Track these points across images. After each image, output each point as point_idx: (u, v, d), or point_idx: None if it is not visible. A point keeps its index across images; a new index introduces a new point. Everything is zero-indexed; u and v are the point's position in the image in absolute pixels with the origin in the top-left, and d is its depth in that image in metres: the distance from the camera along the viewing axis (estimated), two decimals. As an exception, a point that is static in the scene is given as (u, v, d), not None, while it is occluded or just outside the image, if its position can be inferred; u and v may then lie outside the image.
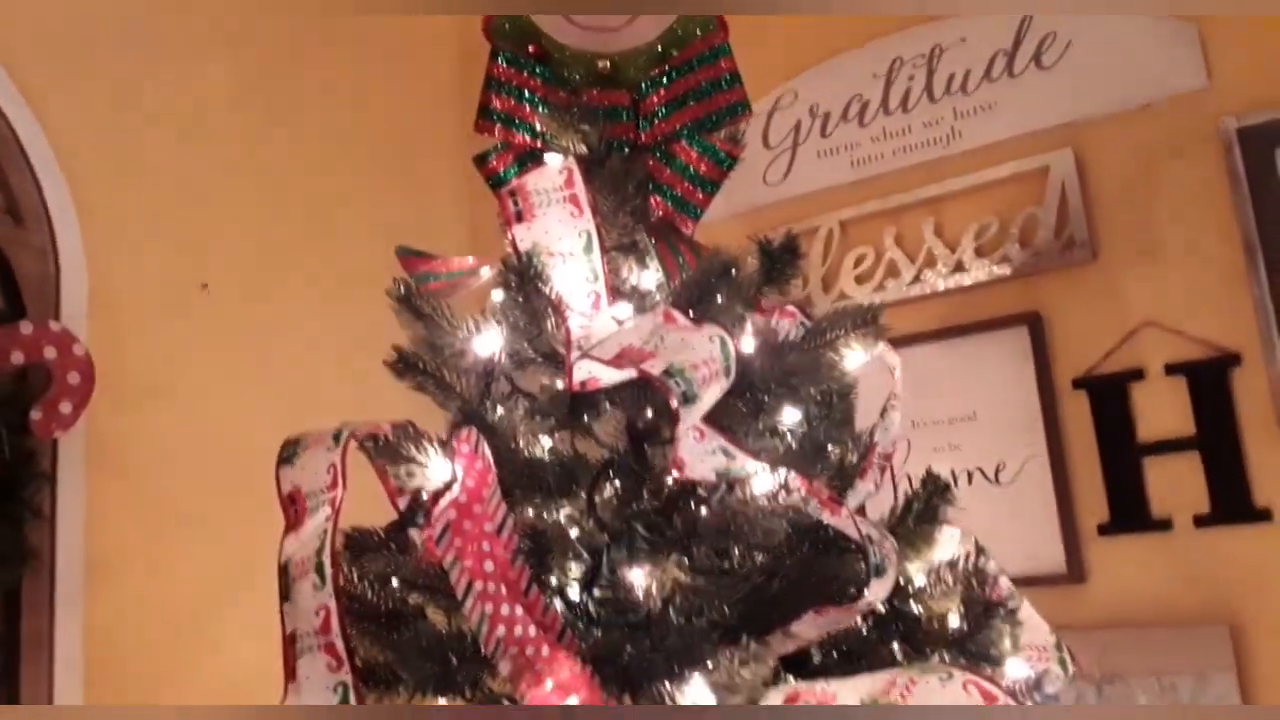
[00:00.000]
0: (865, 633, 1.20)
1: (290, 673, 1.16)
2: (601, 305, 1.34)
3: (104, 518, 2.06)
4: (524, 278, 1.33)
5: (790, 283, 1.44)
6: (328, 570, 1.15)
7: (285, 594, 1.19)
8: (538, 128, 1.48)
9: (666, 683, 1.04)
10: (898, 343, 2.54)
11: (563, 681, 1.16)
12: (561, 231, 1.34)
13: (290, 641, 1.17)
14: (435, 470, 1.25)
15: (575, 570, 1.22)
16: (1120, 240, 2.35)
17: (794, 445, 1.31)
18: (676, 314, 1.20)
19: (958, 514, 1.41)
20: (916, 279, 2.58)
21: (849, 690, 1.00)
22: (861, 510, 1.38)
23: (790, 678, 1.14)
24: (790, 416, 1.28)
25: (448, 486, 1.22)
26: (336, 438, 1.25)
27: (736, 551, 1.16)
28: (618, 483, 1.21)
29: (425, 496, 1.27)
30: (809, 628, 1.07)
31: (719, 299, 1.30)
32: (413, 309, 1.41)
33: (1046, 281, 2.43)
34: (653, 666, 1.07)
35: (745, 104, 1.54)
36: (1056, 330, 2.41)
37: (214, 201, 2.40)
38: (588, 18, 1.50)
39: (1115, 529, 2.28)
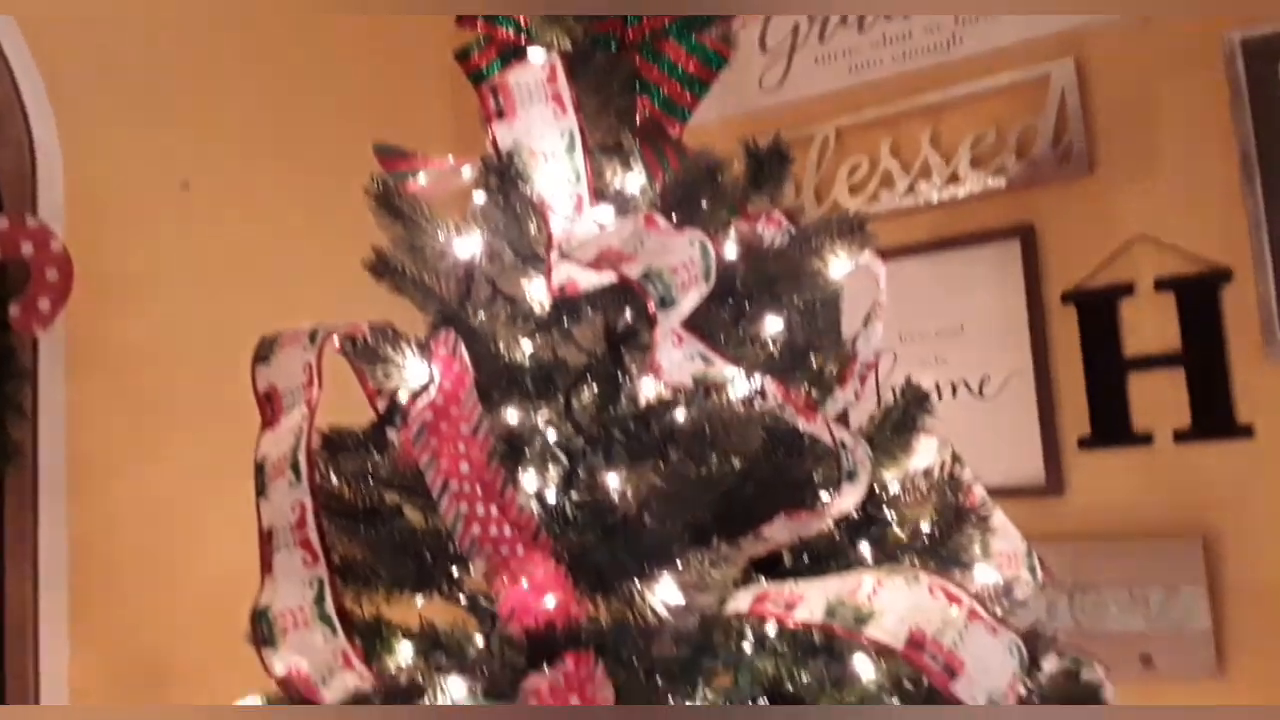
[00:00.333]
0: (838, 537, 1.21)
1: (266, 568, 1.17)
2: (584, 208, 1.32)
3: (86, 415, 2.07)
4: (504, 178, 1.30)
5: (778, 188, 1.41)
6: (303, 468, 1.15)
7: (261, 491, 1.19)
8: (521, 22, 1.43)
9: (636, 581, 1.05)
10: (888, 255, 2.51)
11: (538, 581, 1.17)
12: (544, 130, 1.31)
13: (266, 538, 1.18)
14: (412, 372, 1.25)
15: (552, 473, 1.23)
16: (1117, 153, 2.31)
17: (775, 353, 1.30)
18: (658, 217, 1.18)
19: (937, 424, 1.42)
20: (910, 190, 2.55)
21: (817, 591, 1.01)
22: (843, 418, 1.38)
23: (762, 579, 1.15)
24: (771, 324, 1.27)
25: (425, 388, 1.21)
26: (313, 337, 1.24)
27: (712, 457, 1.16)
28: (596, 388, 1.21)
29: (403, 398, 1.27)
30: (780, 531, 1.08)
31: (703, 203, 1.27)
32: (391, 209, 1.38)
33: (1041, 194, 2.39)
34: (623, 567, 1.08)
35: (737, 0, 1.49)
36: (1048, 244, 2.39)
37: (194, 99, 2.35)
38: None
39: (1095, 443, 2.30)
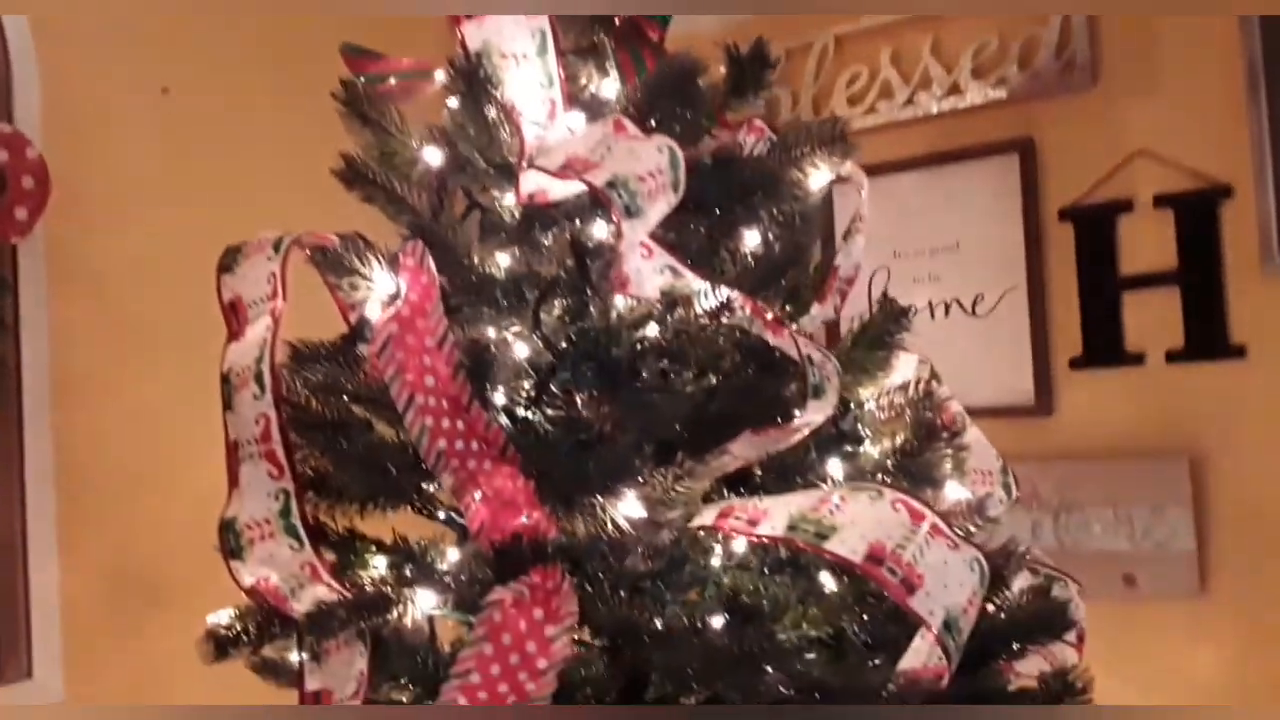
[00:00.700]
0: (809, 454, 1.20)
1: (233, 480, 1.17)
2: (557, 114, 1.28)
3: (69, 328, 2.05)
4: (473, 81, 1.26)
5: (759, 94, 1.36)
6: (267, 380, 1.14)
7: (228, 403, 1.18)
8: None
9: (599, 496, 1.04)
10: (884, 169, 2.49)
11: (506, 496, 1.17)
12: (514, 31, 1.26)
13: (233, 450, 1.17)
14: (380, 284, 1.22)
15: (520, 388, 1.21)
16: (1121, 65, 2.24)
17: (751, 266, 1.27)
18: (627, 123, 1.14)
19: (923, 342, 1.39)
20: (910, 101, 2.48)
21: (781, 506, 1.01)
22: (834, 332, 1.36)
23: (731, 496, 1.14)
24: (745, 236, 1.24)
25: (391, 301, 1.19)
26: (277, 246, 1.21)
27: (681, 371, 1.14)
28: (565, 301, 1.18)
29: (373, 312, 1.25)
30: (746, 447, 1.06)
31: (677, 109, 1.23)
32: (359, 114, 1.34)
33: (1042, 107, 2.33)
34: (589, 482, 1.07)
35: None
36: (1048, 158, 2.33)
37: (174, 2, 2.27)
38: None
39: (1087, 363, 2.27)
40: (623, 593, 1.09)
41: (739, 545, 1.17)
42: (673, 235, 1.20)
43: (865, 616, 1.15)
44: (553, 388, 1.21)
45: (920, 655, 0.98)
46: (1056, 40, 2.29)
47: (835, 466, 1.18)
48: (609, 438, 1.14)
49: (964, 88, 2.41)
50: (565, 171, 1.06)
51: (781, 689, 1.01)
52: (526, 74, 1.26)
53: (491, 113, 1.27)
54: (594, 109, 1.30)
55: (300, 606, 1.15)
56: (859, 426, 1.25)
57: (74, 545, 2.00)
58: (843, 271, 1.35)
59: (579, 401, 1.16)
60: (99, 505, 2.05)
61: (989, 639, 1.15)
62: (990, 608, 1.19)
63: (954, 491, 1.21)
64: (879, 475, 1.18)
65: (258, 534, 1.14)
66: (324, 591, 1.16)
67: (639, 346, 1.14)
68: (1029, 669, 1.25)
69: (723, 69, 1.38)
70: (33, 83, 2.07)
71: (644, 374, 1.13)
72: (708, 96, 1.32)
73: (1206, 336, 2.14)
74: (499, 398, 1.22)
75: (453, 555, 1.29)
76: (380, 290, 1.21)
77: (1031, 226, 2.34)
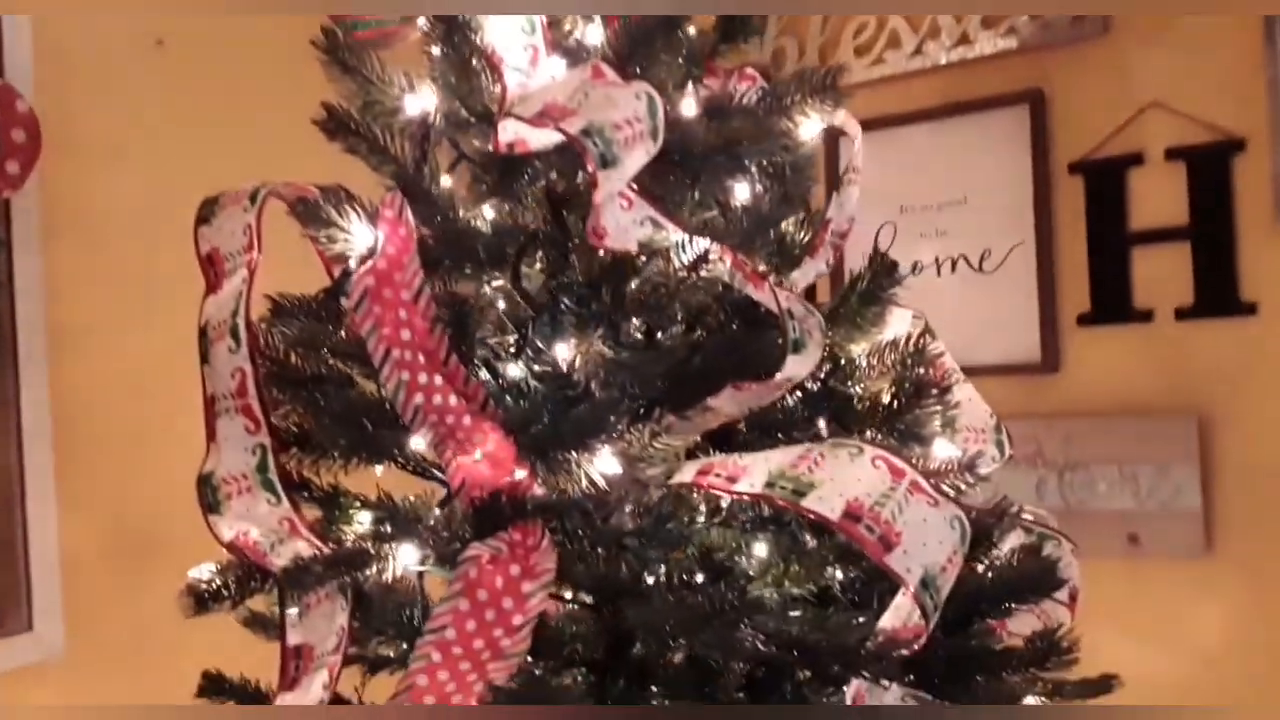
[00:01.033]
0: (796, 410, 1.17)
1: (211, 434, 1.16)
2: (540, 60, 1.24)
3: (64, 282, 2.04)
4: (453, 27, 1.22)
5: (749, 40, 1.32)
6: (242, 333, 1.12)
7: (205, 356, 1.17)
8: None
9: (574, 453, 1.02)
10: (891, 121, 2.44)
11: (489, 453, 1.15)
12: (494, -27, 1.22)
13: (210, 404, 1.16)
14: (358, 236, 1.20)
15: (502, 343, 1.19)
16: (1135, 13, 2.17)
17: (739, 218, 1.24)
18: (606, 69, 1.10)
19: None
20: (918, 51, 2.43)
21: (761, 463, 0.98)
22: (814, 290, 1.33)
23: (716, 453, 1.12)
24: (731, 187, 1.21)
25: (370, 253, 1.17)
26: (253, 198, 1.19)
27: (663, 326, 1.12)
28: (545, 254, 1.16)
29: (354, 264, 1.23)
30: (728, 403, 1.04)
31: (662, 56, 1.19)
32: (340, 61, 1.31)
33: (1053, 57, 2.27)
34: (567, 438, 1.05)
35: None
36: (1058, 110, 2.27)
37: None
38: None
39: (1095, 319, 2.23)
40: (601, 550, 1.07)
41: (725, 502, 1.15)
42: (657, 187, 1.17)
43: (851, 574, 1.14)
44: (539, 344, 1.19)
45: (901, 613, 0.97)
46: (1069, -13, 2.22)
47: (822, 423, 1.15)
48: (588, 394, 1.12)
49: (973, 37, 2.35)
50: (541, 119, 1.03)
51: (760, 646, 1.00)
52: (508, 20, 1.23)
53: (473, 60, 1.24)
54: (577, 55, 1.26)
55: (280, 561, 1.14)
56: (848, 383, 1.23)
57: (73, 499, 2.01)
58: (835, 225, 1.31)
59: (559, 357, 1.14)
60: (97, 459, 2.05)
61: (975, 598, 1.13)
62: (979, 567, 1.17)
63: (943, 449, 1.19)
64: (867, 432, 1.16)
65: (235, 489, 1.13)
66: (303, 546, 1.15)
67: (620, 300, 1.12)
68: (1022, 629, 1.23)
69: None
70: (24, 35, 2.04)
71: (624, 329, 1.11)
72: (696, 43, 1.28)
73: (1217, 293, 2.09)
74: (479, 353, 1.20)
75: (438, 512, 1.28)
76: (359, 243, 1.19)
77: (1041, 180, 2.29)
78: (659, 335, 1.14)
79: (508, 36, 1.23)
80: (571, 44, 1.29)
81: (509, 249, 1.19)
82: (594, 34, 1.29)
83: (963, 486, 1.19)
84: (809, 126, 1.27)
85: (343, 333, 1.26)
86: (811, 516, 0.92)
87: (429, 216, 1.25)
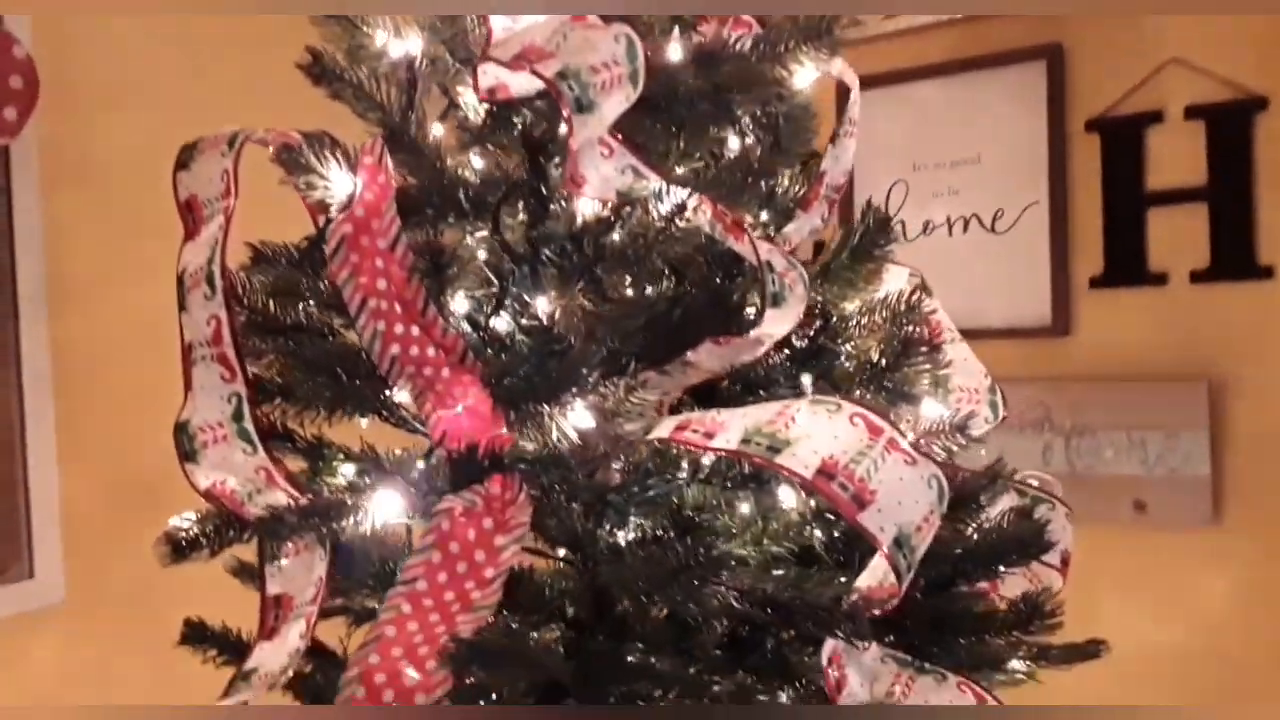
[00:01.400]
0: (782, 368, 1.15)
1: (188, 383, 1.15)
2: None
3: (64, 230, 2.04)
4: (436, -32, 1.19)
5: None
6: (218, 280, 1.11)
7: (182, 304, 1.15)
8: None
9: (546, 406, 1.01)
10: (903, 77, 2.39)
11: (470, 406, 1.13)
12: (479, -84, 1.18)
13: (187, 352, 1.14)
14: (337, 183, 1.18)
15: (482, 295, 1.17)
16: (1138, 12, 2.10)
17: (728, 169, 1.21)
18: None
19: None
20: (933, 4, 2.36)
21: (738, 419, 0.96)
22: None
23: (697, 409, 1.10)
24: (718, 137, 1.17)
25: (349, 201, 1.15)
26: (231, 143, 1.17)
27: (645, 279, 1.09)
28: (525, 204, 1.13)
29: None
30: (708, 358, 1.02)
31: None
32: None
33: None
34: (542, 391, 1.03)
35: None
36: (1076, 66, 2.21)
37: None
38: None
39: (1108, 282, 2.19)
40: (576, 505, 1.06)
41: (707, 460, 1.13)
42: (641, 136, 1.14)
43: (835, 534, 1.12)
44: (523, 296, 1.16)
45: (877, 573, 0.95)
46: (1090, -63, 2.15)
47: (806, 381, 1.13)
48: (566, 346, 1.10)
49: (990, -11, 2.28)
50: (518, 62, 1.00)
51: (735, 604, 0.98)
52: (494, -39, 1.19)
53: (457, 3, 1.20)
54: (565, -1, 1.22)
55: (257, 510, 1.14)
56: (838, 340, 1.20)
57: (73, 449, 2.02)
58: (830, 179, 1.28)
59: (540, 310, 1.12)
60: (98, 408, 2.05)
61: (960, 560, 1.11)
62: (966, 529, 1.15)
63: (932, 408, 1.16)
64: (855, 389, 1.13)
65: (211, 437, 1.12)
66: (281, 496, 1.14)
67: (600, 251, 1.09)
68: (1013, 592, 1.21)
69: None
70: (23, -20, 2.02)
71: (604, 280, 1.08)
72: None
73: (1233, 256, 2.04)
74: (460, 304, 1.18)
75: (422, 465, 1.27)
76: (338, 190, 1.16)
77: (1057, 138, 2.23)
78: (646, 289, 1.11)
79: (493, -22, 1.20)
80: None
81: (491, 198, 1.17)
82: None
83: (954, 447, 1.17)
84: (804, 75, 1.22)
85: (325, 282, 1.25)
86: (785, 473, 0.90)
87: (415, 164, 1.23)
